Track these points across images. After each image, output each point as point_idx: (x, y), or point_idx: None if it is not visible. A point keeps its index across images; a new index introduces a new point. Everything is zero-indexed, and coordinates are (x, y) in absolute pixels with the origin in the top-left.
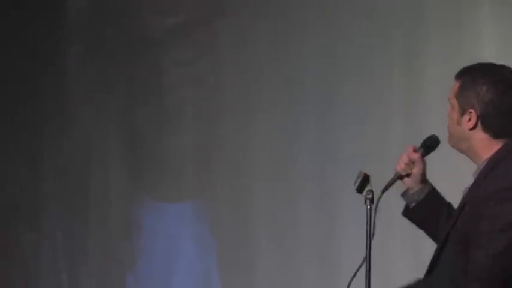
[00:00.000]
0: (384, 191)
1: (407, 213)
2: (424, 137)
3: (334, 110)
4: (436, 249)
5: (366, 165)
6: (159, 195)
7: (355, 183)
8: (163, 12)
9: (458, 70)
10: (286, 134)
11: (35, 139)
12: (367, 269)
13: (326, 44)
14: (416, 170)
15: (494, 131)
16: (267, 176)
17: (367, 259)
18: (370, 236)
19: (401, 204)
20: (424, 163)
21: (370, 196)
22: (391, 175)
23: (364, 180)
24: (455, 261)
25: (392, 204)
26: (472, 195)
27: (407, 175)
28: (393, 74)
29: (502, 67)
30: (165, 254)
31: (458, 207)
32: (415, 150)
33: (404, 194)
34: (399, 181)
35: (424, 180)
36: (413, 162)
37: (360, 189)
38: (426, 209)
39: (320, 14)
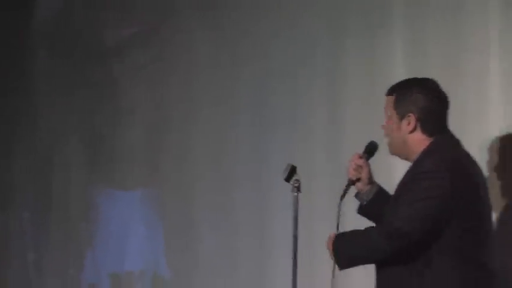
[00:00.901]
0: (342, 198)
1: (361, 211)
2: (343, 132)
3: (266, 110)
4: None
5: (293, 158)
6: (113, 184)
7: (283, 173)
8: (119, 24)
9: (372, 75)
10: (225, 131)
11: (7, 138)
12: (295, 248)
13: (259, 50)
14: (364, 174)
15: (429, 131)
16: (208, 169)
17: (295, 240)
18: (296, 219)
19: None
20: (369, 166)
21: (297, 185)
22: (315, 167)
23: (292, 171)
24: None
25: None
26: (406, 177)
27: (358, 180)
28: (317, 75)
29: (427, 79)
30: (119, 235)
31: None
32: (360, 156)
33: (356, 195)
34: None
35: (371, 181)
36: (361, 167)
37: (287, 179)
38: (376, 206)
39: (254, 21)
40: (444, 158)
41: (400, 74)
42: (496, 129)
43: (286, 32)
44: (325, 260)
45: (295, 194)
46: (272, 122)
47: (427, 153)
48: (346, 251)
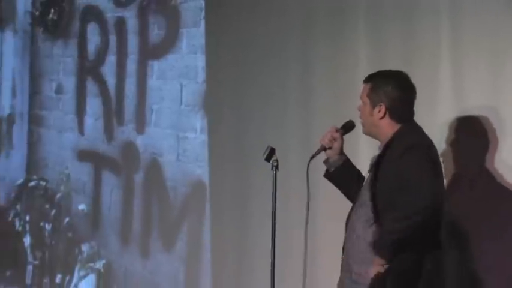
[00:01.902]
0: (311, 158)
1: (328, 175)
2: (313, 116)
3: (247, 99)
4: (356, 200)
5: (271, 140)
6: None
7: (264, 154)
8: None
9: (339, 69)
10: (212, 121)
11: None
12: (273, 215)
13: (240, 46)
14: (336, 145)
15: (398, 118)
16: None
17: (273, 208)
18: (275, 192)
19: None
20: (342, 140)
21: (275, 164)
22: (290, 149)
23: (271, 152)
24: (377, 203)
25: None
26: (385, 157)
27: (329, 148)
28: (290, 69)
29: (398, 72)
30: None
31: (373, 165)
32: (337, 130)
33: (325, 161)
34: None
35: (341, 152)
36: (335, 139)
37: (267, 159)
38: (342, 173)
39: (239, 19)
40: (424, 137)
41: (363, 69)
42: (445, 121)
43: (263, 31)
44: (298, 221)
45: (274, 172)
46: (252, 109)
47: (399, 136)
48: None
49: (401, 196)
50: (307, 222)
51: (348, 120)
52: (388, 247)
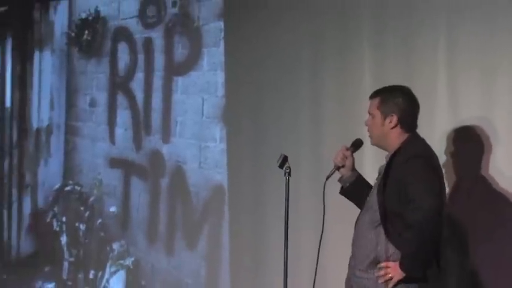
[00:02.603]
0: (327, 178)
1: (343, 192)
2: (323, 127)
3: (262, 111)
4: (365, 206)
5: (284, 149)
6: None
7: (277, 161)
8: None
9: (346, 83)
10: (231, 130)
11: None
12: (286, 217)
13: (257, 62)
14: (348, 162)
15: (406, 128)
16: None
17: (286, 212)
18: (288, 197)
19: None
20: (353, 157)
21: (288, 170)
22: (302, 157)
23: (284, 160)
24: (384, 204)
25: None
26: (393, 165)
27: (343, 166)
28: (302, 83)
29: (402, 87)
30: None
31: (382, 173)
32: (347, 149)
33: (340, 179)
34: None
35: (353, 169)
36: (346, 157)
37: (281, 166)
38: (355, 188)
39: (253, 36)
40: (427, 147)
41: (367, 83)
42: (442, 132)
43: (277, 49)
44: (308, 223)
45: (287, 178)
46: (268, 119)
47: (406, 145)
48: (419, 261)
49: (406, 207)
50: (322, 232)
51: (356, 138)
52: (418, 264)
